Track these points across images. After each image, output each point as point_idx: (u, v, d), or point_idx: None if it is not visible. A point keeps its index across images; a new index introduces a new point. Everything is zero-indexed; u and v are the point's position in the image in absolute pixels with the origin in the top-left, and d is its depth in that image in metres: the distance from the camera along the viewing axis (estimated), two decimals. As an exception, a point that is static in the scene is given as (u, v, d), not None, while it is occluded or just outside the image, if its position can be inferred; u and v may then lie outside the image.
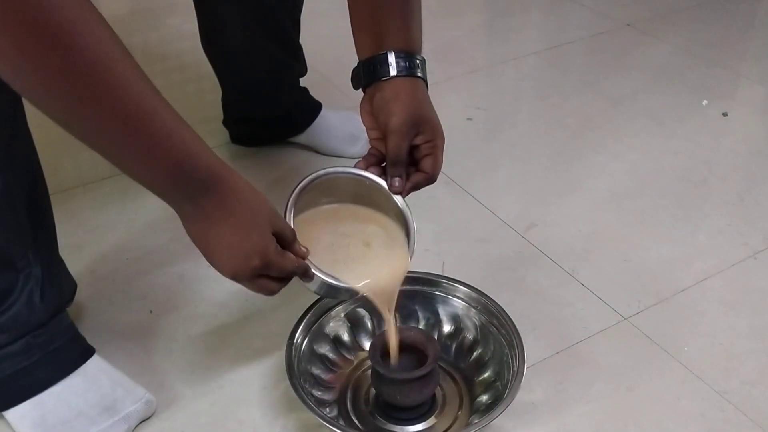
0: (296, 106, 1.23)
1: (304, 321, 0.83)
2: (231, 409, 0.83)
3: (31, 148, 0.77)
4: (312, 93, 1.25)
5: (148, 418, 0.82)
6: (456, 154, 1.26)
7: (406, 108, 0.78)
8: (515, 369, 0.79)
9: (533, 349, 0.88)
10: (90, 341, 0.83)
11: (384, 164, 0.82)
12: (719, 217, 1.13)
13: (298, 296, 0.87)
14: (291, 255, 0.71)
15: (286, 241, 0.71)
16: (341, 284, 0.75)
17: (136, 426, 0.81)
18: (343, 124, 1.24)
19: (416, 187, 0.82)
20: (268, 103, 1.20)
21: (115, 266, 1.02)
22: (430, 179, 0.82)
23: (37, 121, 0.63)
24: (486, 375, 0.84)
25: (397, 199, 0.81)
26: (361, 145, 1.22)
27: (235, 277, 0.69)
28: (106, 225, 1.09)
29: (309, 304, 0.85)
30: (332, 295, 0.78)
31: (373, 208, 0.82)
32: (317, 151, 1.25)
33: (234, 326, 0.94)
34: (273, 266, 0.69)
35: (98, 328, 0.92)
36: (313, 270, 0.74)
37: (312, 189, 0.78)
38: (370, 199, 0.82)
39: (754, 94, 1.48)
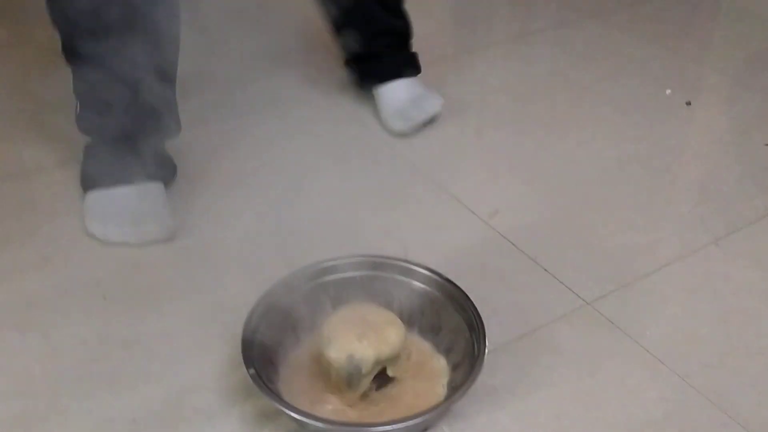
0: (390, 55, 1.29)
1: (261, 305, 0.82)
2: (186, 396, 0.81)
3: None
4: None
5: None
6: (422, 142, 1.25)
7: None
8: (477, 352, 0.78)
9: (495, 334, 0.87)
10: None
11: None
12: (682, 204, 1.13)
13: (254, 281, 0.85)
14: None
15: None
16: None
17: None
18: (409, 96, 1.26)
19: None
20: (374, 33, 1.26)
21: (68, 253, 1.00)
22: None
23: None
24: (448, 358, 0.83)
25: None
26: (410, 125, 1.24)
27: None
28: (61, 211, 1.07)
29: (266, 289, 0.83)
30: None
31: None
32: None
33: (189, 312, 0.91)
34: None
35: (50, 315, 0.90)
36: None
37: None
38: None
39: (717, 83, 1.48)
